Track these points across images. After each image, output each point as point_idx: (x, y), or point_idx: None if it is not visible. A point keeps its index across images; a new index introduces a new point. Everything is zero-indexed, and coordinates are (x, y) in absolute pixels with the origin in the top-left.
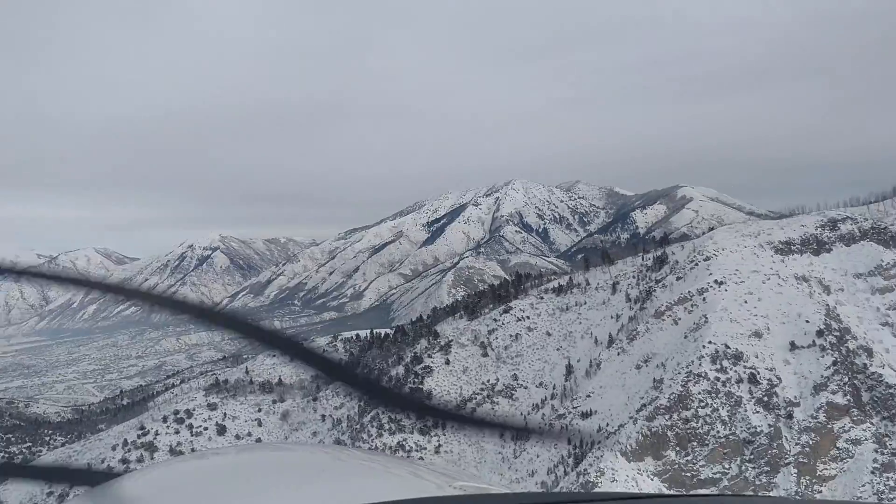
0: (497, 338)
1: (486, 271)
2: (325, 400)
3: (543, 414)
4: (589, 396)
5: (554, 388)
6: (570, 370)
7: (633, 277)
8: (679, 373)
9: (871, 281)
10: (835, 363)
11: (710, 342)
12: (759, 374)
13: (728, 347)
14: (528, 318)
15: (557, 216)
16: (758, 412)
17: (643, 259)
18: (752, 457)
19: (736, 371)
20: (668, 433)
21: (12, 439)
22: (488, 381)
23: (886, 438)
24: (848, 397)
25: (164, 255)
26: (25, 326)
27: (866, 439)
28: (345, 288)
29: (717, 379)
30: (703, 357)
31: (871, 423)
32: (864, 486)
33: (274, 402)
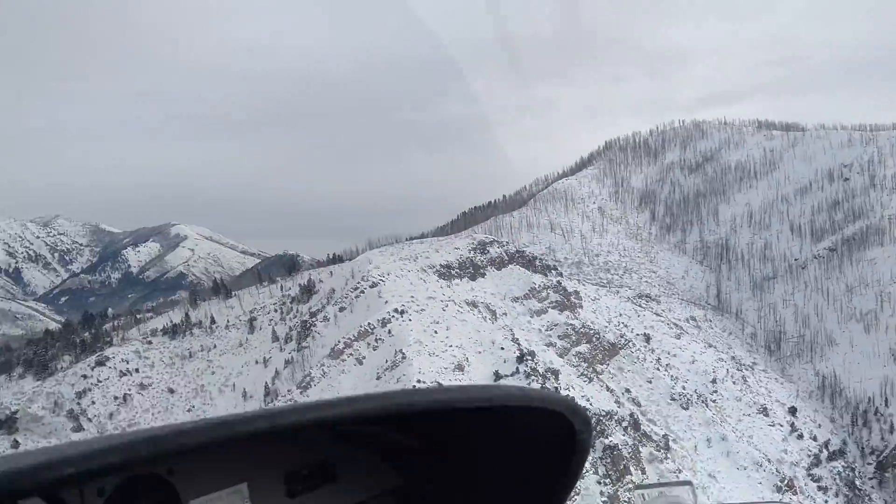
0: (94, 401)
1: None
2: None
3: None
4: None
5: None
6: None
7: (275, 311)
8: None
9: (527, 304)
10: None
11: (418, 381)
12: None
13: (441, 385)
14: (136, 370)
15: (33, 254)
16: None
17: (282, 289)
18: None
19: None
20: None
21: None
22: None
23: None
24: None
25: None
26: None
27: (588, 471)
28: None
29: None
30: None
31: (591, 452)
32: None
33: None
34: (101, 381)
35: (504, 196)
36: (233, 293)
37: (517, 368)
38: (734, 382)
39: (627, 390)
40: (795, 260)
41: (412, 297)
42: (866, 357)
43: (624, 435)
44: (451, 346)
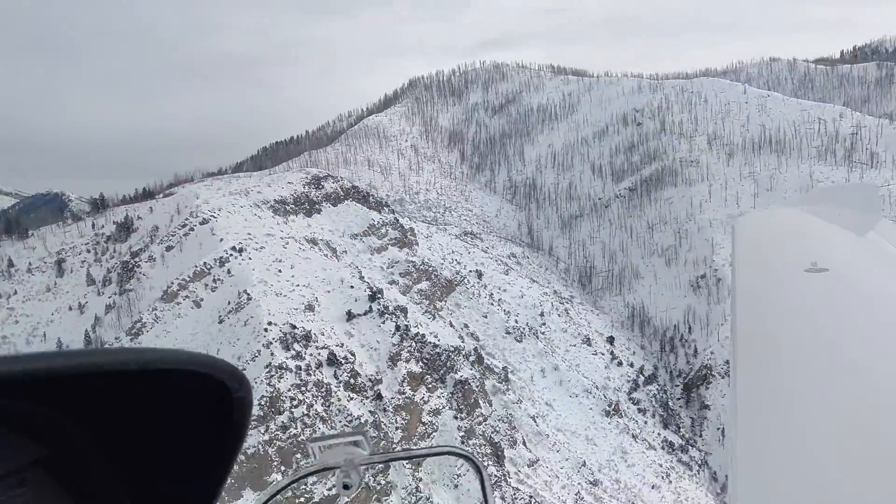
0: None
1: None
2: None
3: None
4: None
5: None
6: None
7: (88, 252)
8: (244, 367)
9: (366, 241)
10: (398, 328)
11: (270, 323)
12: (335, 354)
13: (295, 327)
14: None
15: None
16: (352, 398)
17: (94, 227)
18: None
19: (311, 354)
20: (269, 451)
21: None
22: None
23: (458, 402)
24: (420, 364)
25: None
26: None
27: (444, 407)
28: None
29: (300, 368)
30: (271, 343)
31: (443, 388)
32: (461, 464)
33: None
34: None
35: (307, 132)
36: (30, 232)
37: (370, 307)
38: (559, 315)
39: (466, 325)
40: (599, 199)
41: (249, 234)
42: (669, 289)
43: (471, 369)
44: (297, 285)
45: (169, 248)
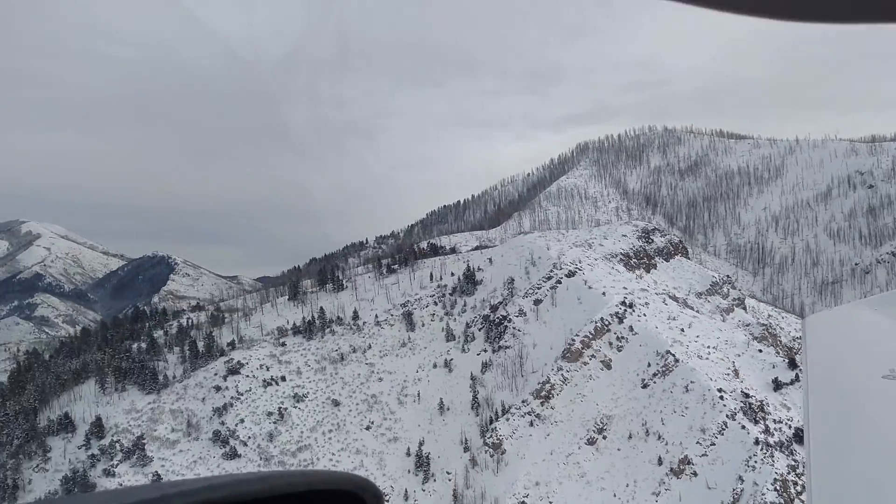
0: (242, 419)
1: None
2: None
3: None
4: None
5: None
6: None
7: (435, 304)
8: (712, 442)
9: (712, 300)
10: None
11: (721, 390)
12: (792, 428)
13: (748, 396)
14: (282, 378)
15: None
16: None
17: (433, 279)
18: None
19: (775, 429)
20: None
21: None
22: None
23: None
24: None
25: None
26: None
27: None
28: None
29: (780, 445)
30: (735, 414)
31: None
32: None
33: None
34: (241, 394)
35: (472, 196)
36: (345, 284)
37: (796, 375)
38: None
39: None
40: (856, 264)
41: (625, 288)
42: None
43: None
44: (708, 347)
45: (538, 302)
